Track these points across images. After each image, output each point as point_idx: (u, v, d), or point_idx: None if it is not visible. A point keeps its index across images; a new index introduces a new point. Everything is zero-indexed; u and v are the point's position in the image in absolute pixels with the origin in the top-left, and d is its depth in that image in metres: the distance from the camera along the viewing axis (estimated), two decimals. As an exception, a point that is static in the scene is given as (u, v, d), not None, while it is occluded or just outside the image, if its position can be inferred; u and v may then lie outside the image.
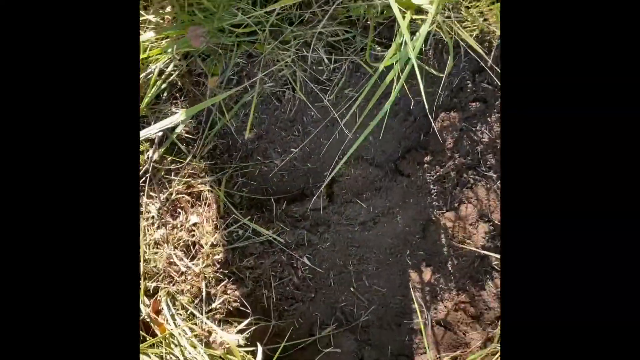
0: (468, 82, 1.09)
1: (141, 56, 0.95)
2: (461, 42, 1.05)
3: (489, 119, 1.11)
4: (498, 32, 1.05)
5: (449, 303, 1.10)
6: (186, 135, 1.04)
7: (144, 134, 0.92)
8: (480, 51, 0.96)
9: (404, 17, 0.85)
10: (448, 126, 1.09)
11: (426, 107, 0.96)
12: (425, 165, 1.10)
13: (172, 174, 1.02)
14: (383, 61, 0.85)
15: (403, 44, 0.87)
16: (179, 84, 1.03)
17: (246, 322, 0.93)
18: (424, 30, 0.85)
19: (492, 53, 1.07)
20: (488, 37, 1.06)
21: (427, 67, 1.02)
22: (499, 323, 1.10)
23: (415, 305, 1.08)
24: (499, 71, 1.11)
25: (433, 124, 1.10)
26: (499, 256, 1.07)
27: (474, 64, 1.10)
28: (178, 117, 0.92)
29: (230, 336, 0.88)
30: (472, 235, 1.11)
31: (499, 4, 1.03)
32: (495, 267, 1.13)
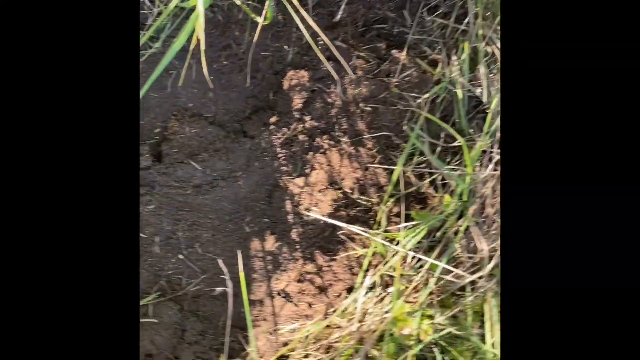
0: (318, 38, 1.02)
1: None
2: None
3: (343, 80, 1.04)
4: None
5: (293, 273, 1.03)
6: None
7: None
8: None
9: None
10: (296, 85, 1.02)
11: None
12: (272, 126, 1.03)
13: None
14: None
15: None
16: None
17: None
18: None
19: (342, 7, 1.00)
20: (336, -10, 0.99)
21: (247, 10, 0.94)
22: (347, 294, 1.05)
23: (255, 274, 1.01)
24: (354, 29, 1.05)
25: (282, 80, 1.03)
26: (345, 225, 1.01)
27: (325, 19, 1.03)
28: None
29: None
30: (320, 203, 1.05)
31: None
32: (347, 238, 1.07)
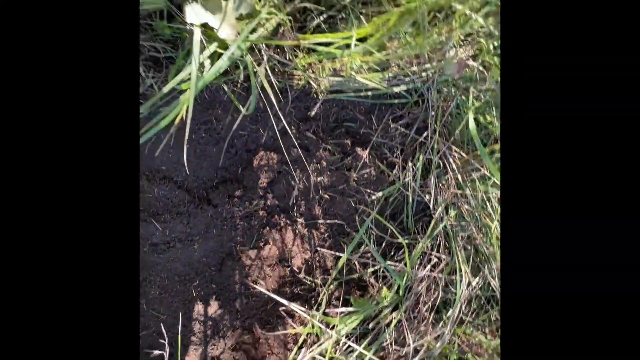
0: (293, 127, 1.12)
1: None
2: (287, 91, 1.09)
3: (308, 167, 1.14)
4: (324, 85, 1.09)
5: (230, 341, 1.07)
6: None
7: None
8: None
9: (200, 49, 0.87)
10: (265, 165, 1.11)
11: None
12: (236, 199, 1.10)
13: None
14: (169, 84, 0.85)
15: (198, 69, 0.88)
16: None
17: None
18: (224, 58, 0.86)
19: (318, 104, 1.11)
20: (315, 89, 1.11)
21: (234, 99, 1.03)
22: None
23: (193, 337, 1.05)
24: (325, 124, 1.16)
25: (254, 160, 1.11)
26: (287, 303, 1.07)
27: (301, 112, 1.13)
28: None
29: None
30: (268, 277, 1.11)
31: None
32: (287, 314, 1.13)
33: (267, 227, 1.12)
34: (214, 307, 1.07)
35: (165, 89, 0.83)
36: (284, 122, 1.05)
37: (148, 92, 0.98)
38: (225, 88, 0.98)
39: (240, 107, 0.99)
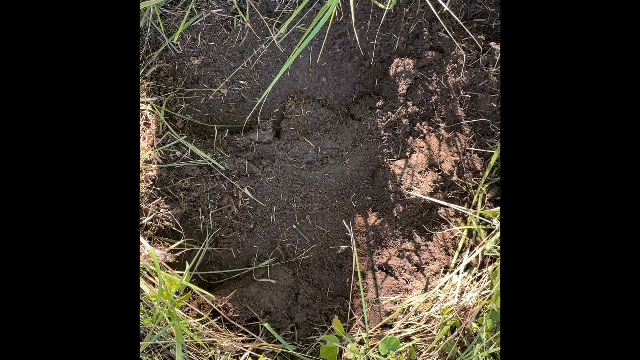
0: (424, 29, 1.09)
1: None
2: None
3: (444, 68, 1.10)
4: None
5: (393, 249, 1.09)
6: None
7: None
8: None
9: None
10: (402, 72, 1.09)
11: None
12: (378, 110, 1.10)
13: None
14: None
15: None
16: None
17: (178, 243, 0.91)
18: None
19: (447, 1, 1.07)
20: (444, -17, 1.06)
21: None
22: (442, 272, 1.09)
23: (357, 249, 1.08)
24: (457, 19, 1.11)
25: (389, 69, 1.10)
26: (446, 204, 1.06)
27: (431, 11, 1.09)
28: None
29: (156, 250, 0.87)
30: (420, 184, 1.10)
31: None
32: (444, 218, 1.12)
33: (411, 136, 1.11)
34: (372, 218, 1.08)
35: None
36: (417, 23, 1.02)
37: (286, 10, 0.99)
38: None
39: (381, 5, 0.97)
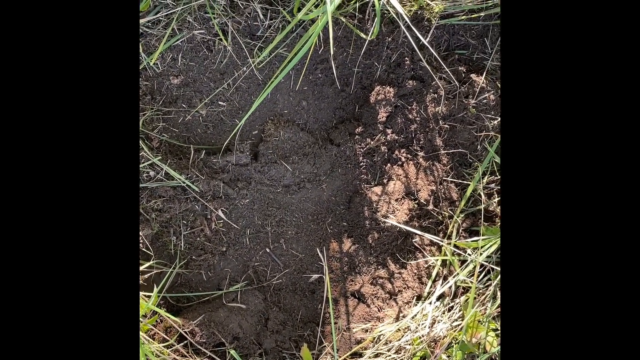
0: (406, 58, 1.10)
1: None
2: (399, 18, 1.07)
3: (425, 98, 1.11)
4: (437, 9, 1.06)
5: (366, 277, 1.08)
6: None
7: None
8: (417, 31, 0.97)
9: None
10: (382, 100, 1.10)
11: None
12: (357, 136, 1.10)
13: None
14: (301, 11, 0.85)
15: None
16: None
17: (147, 264, 0.90)
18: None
19: (431, 31, 1.08)
20: (426, 15, 1.08)
21: (353, 27, 1.02)
22: (414, 301, 1.09)
23: (330, 274, 1.07)
24: (434, 53, 1.13)
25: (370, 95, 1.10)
26: (421, 233, 1.06)
27: (413, 41, 1.11)
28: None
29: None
30: (397, 211, 1.10)
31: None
32: (419, 247, 1.13)
33: (389, 164, 1.11)
34: (347, 244, 1.08)
35: (294, 20, 0.84)
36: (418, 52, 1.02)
37: (268, 34, 0.99)
38: (343, 19, 0.97)
39: (362, 35, 0.97)
